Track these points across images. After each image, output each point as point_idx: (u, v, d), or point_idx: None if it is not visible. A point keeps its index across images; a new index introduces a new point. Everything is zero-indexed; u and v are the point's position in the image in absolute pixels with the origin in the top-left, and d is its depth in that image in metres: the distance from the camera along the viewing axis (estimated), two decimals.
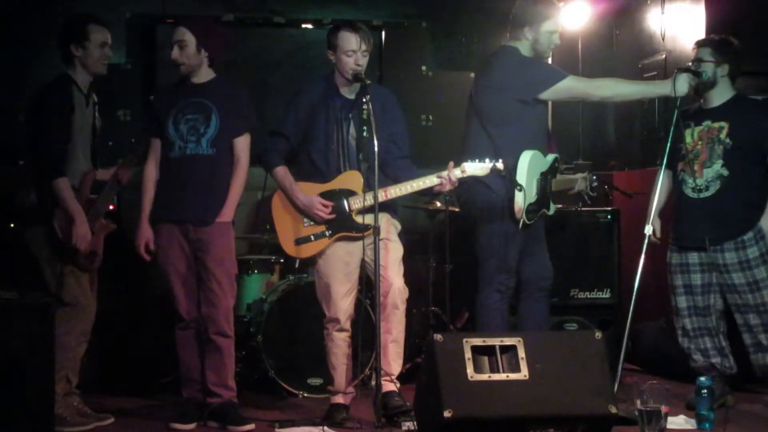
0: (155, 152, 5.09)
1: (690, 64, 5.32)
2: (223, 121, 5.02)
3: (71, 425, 4.88)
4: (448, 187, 5.02)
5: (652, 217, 5.28)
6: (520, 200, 5.10)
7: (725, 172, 5.26)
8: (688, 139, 5.31)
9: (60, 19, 5.22)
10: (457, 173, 4.97)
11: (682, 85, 5.16)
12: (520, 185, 5.07)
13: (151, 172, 5.10)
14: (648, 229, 5.12)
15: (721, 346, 5.37)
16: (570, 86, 5.25)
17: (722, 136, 5.28)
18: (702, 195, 5.29)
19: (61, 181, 4.89)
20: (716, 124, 5.31)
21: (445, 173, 4.97)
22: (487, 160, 4.94)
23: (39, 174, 4.95)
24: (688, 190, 5.32)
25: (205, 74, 5.09)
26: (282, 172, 5.12)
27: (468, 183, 5.21)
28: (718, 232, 5.25)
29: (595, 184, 5.32)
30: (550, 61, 7.07)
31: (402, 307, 5.08)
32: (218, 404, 5.01)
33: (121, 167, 5.10)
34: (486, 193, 5.21)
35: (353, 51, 5.01)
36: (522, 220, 5.13)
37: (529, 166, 5.11)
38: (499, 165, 4.95)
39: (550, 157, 5.30)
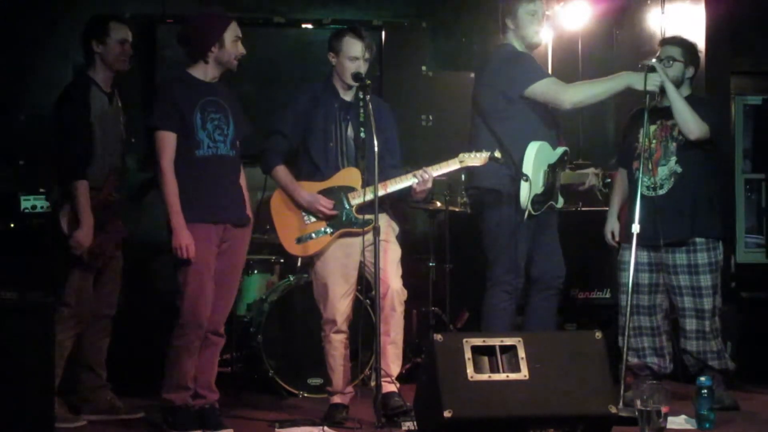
0: (171, 147, 4.79)
1: (654, 60, 5.25)
2: (236, 123, 4.97)
3: (70, 422, 4.89)
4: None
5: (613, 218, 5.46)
6: (526, 190, 5.09)
7: (679, 169, 5.30)
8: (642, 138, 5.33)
9: (61, 19, 5.23)
10: (455, 164, 5.03)
11: (655, 82, 5.13)
12: (526, 175, 5.08)
13: (173, 169, 4.79)
14: (635, 228, 5.09)
15: (660, 345, 5.42)
16: (544, 90, 5.19)
17: (675, 133, 5.32)
18: (657, 192, 5.31)
19: (80, 184, 4.91)
20: (670, 122, 5.34)
21: (443, 164, 5.03)
22: (483, 150, 5.01)
23: (60, 174, 5.00)
24: (644, 189, 5.28)
25: None
26: (282, 171, 5.12)
27: (476, 190, 5.25)
28: (672, 230, 5.25)
29: (608, 180, 5.32)
30: (549, 57, 7.11)
31: (400, 308, 5.08)
32: (199, 407, 4.86)
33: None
34: (492, 192, 5.22)
35: (356, 57, 5.03)
36: (527, 211, 5.13)
37: (535, 156, 5.11)
38: (496, 154, 5.02)
39: (560, 149, 5.28)
